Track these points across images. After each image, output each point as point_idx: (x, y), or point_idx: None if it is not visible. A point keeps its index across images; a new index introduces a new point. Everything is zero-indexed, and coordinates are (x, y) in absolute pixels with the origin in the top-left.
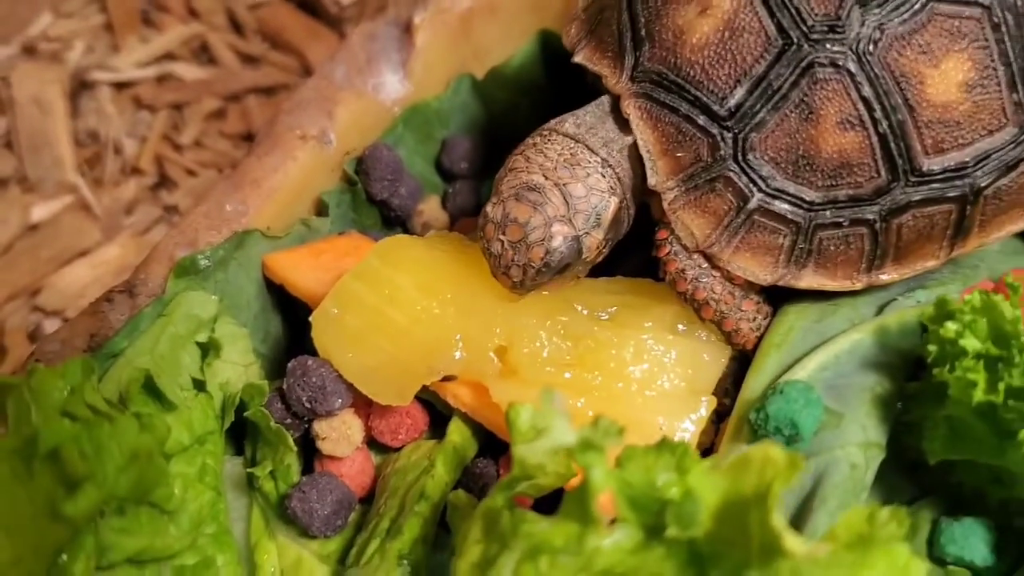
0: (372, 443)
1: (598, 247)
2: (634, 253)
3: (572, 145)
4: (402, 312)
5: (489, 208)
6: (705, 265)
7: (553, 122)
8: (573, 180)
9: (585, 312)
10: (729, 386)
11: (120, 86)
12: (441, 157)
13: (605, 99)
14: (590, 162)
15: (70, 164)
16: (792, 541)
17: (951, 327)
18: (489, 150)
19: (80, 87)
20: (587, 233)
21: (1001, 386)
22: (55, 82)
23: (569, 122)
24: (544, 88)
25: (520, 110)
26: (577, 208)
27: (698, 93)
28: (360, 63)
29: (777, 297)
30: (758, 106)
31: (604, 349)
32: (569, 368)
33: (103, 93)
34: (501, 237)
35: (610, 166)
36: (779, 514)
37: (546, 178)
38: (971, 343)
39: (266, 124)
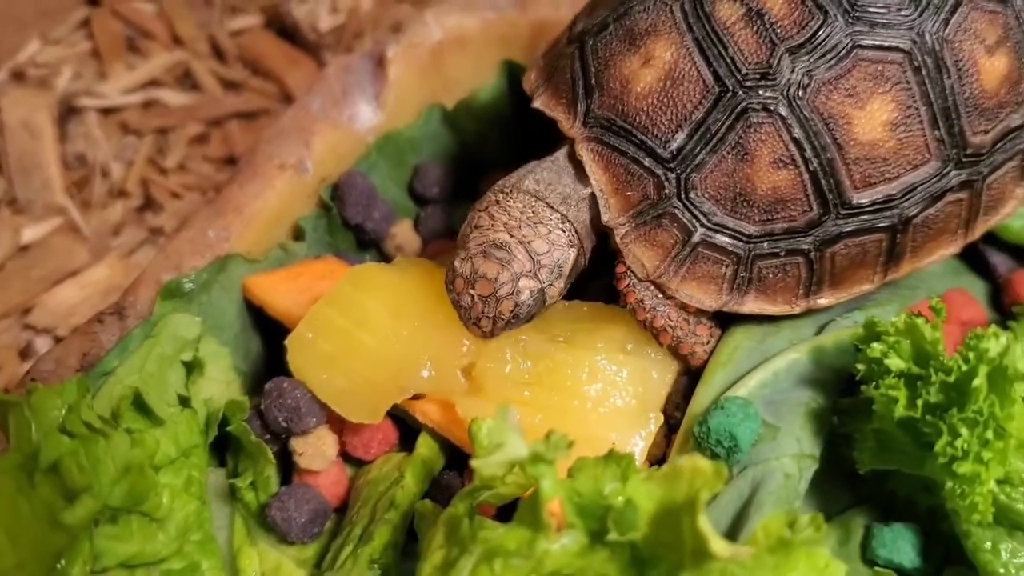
0: (346, 456)
1: (559, 293)
2: (599, 277)
3: (533, 203)
4: (373, 335)
5: (458, 263)
6: (661, 295)
7: (514, 178)
8: (536, 237)
9: (544, 334)
10: (680, 400)
11: (107, 111)
12: (413, 183)
13: (560, 154)
14: (551, 219)
15: (59, 187)
16: (718, 544)
17: (877, 347)
18: (459, 176)
19: (68, 112)
20: (551, 284)
21: (920, 402)
22: (44, 107)
23: (529, 179)
24: (509, 116)
25: (488, 138)
26: (541, 263)
27: (643, 137)
28: (336, 95)
29: (727, 318)
30: (698, 149)
31: (561, 369)
32: (528, 387)
33: (91, 118)
34: (471, 291)
35: (568, 220)
36: (706, 519)
37: (511, 235)
38: (895, 362)
39: (247, 153)
